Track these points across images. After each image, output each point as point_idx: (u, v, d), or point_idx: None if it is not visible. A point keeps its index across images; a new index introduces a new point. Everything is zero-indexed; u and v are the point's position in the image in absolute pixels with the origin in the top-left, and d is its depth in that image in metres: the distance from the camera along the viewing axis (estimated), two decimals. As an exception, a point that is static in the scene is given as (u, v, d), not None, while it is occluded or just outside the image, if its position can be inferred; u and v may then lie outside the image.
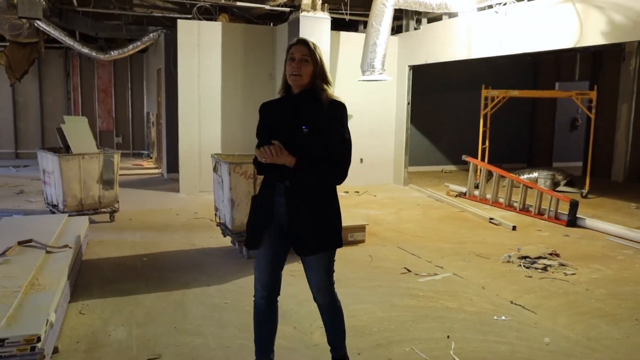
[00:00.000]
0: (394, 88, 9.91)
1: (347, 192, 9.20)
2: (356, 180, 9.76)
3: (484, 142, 9.80)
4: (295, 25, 8.18)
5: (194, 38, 8.81)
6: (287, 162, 2.57)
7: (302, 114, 2.66)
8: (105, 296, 4.29)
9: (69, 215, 6.23)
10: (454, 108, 12.05)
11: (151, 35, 10.98)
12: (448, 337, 3.58)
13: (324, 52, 2.77)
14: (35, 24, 10.10)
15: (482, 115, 9.81)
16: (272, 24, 10.07)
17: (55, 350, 3.29)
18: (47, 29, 10.28)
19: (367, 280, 4.76)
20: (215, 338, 3.54)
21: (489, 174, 8.58)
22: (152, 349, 3.37)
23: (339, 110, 2.70)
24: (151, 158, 13.56)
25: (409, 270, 5.01)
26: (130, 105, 14.72)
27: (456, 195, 8.83)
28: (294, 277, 4.75)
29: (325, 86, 2.70)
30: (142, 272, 4.95)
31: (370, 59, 8.20)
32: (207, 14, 10.37)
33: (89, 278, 4.72)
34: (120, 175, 10.60)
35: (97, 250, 5.62)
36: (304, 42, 2.71)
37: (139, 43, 11.15)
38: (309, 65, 2.65)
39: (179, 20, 8.83)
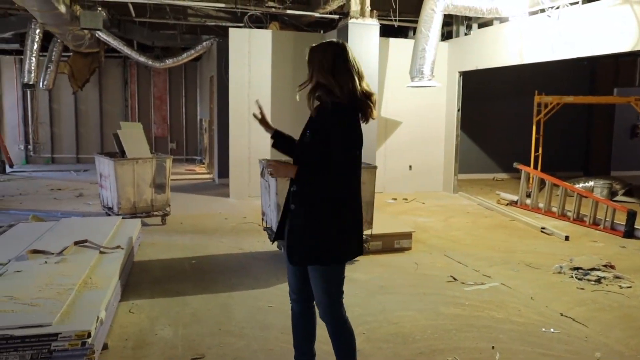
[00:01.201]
0: (444, 94, 9.78)
1: (395, 199, 9.14)
2: (404, 187, 9.72)
3: (536, 150, 9.53)
4: (344, 32, 8.21)
5: (245, 46, 8.98)
6: (289, 174, 2.60)
7: (312, 119, 2.66)
8: (154, 296, 4.42)
9: (123, 218, 6.47)
10: (506, 114, 11.77)
11: (204, 43, 11.28)
12: (493, 347, 3.50)
13: (329, 52, 2.63)
14: (96, 35, 10.56)
15: (535, 121, 9.54)
16: (322, 31, 10.15)
17: (105, 347, 3.41)
18: (107, 39, 10.72)
19: (412, 287, 4.71)
20: (258, 340, 3.59)
21: (542, 182, 8.33)
22: (197, 349, 3.45)
23: (335, 115, 2.53)
24: (203, 163, 13.88)
25: (455, 279, 4.93)
26: (184, 112, 15.15)
27: (507, 204, 8.62)
28: (338, 282, 4.77)
29: (335, 92, 2.54)
30: (190, 274, 5.07)
31: (419, 65, 8.14)
32: (258, 22, 10.57)
33: (140, 278, 4.88)
34: (173, 180, 10.94)
35: (149, 251, 5.80)
36: (309, 49, 2.71)
37: (192, 51, 11.47)
38: (308, 71, 2.66)
39: (230, 29, 9.04)
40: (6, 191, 9.76)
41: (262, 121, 2.97)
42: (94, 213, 7.59)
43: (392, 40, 9.52)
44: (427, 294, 4.54)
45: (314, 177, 2.54)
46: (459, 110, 9.62)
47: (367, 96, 2.60)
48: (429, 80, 8.12)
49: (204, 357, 3.34)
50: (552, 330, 3.81)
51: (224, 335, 3.67)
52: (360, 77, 2.63)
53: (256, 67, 9.06)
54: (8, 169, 12.72)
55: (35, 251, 4.58)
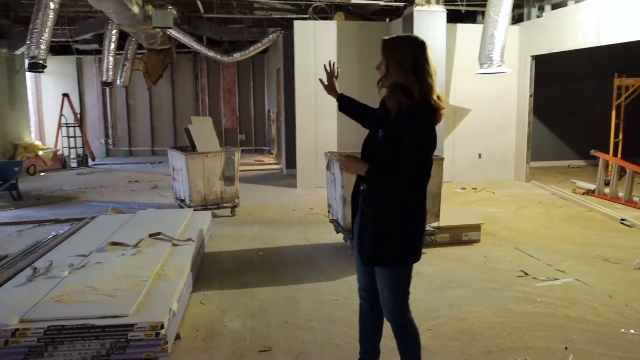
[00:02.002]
0: (515, 80, 9.41)
1: (464, 188, 8.93)
2: (474, 176, 9.47)
3: (616, 136, 9.00)
4: (409, 20, 8.07)
5: (310, 38, 9.01)
6: (359, 171, 2.55)
7: (384, 117, 2.60)
8: (223, 288, 4.56)
9: (194, 210, 6.71)
10: (582, 98, 11.16)
11: (270, 36, 11.43)
12: (566, 348, 3.36)
13: (412, 50, 2.52)
14: (168, 32, 10.92)
15: (615, 106, 9.00)
16: (387, 20, 10.02)
17: (178, 337, 3.56)
18: (178, 35, 11.07)
19: (480, 281, 4.60)
20: (324, 334, 3.63)
21: (622, 170, 7.86)
22: (264, 341, 3.54)
23: (415, 116, 2.45)
24: (272, 154, 14.12)
25: (527, 273, 4.76)
26: (252, 103, 15.45)
27: (583, 193, 8.20)
28: (403, 276, 4.73)
29: (404, 87, 2.47)
30: (258, 265, 5.19)
31: (488, 51, 7.86)
32: (323, 13, 10.58)
33: (210, 270, 5.05)
34: (242, 171, 11.19)
35: (219, 243, 5.99)
36: (381, 42, 2.59)
37: (259, 44, 11.66)
38: (382, 66, 2.57)
39: (295, 22, 9.09)
40: (88, 184, 10.36)
41: (329, 86, 3.03)
42: (167, 205, 7.91)
43: (459, 26, 9.24)
44: (496, 289, 4.42)
45: (384, 176, 2.49)
46: (531, 95, 9.23)
47: (439, 98, 2.54)
48: (499, 66, 7.84)
49: (271, 350, 3.41)
50: (632, 331, 3.61)
51: (290, 328, 3.74)
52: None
53: (321, 59, 9.05)
54: (90, 162, 13.49)
55: (114, 243, 4.85)
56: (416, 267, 4.84)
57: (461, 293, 4.32)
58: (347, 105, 3.04)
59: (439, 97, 2.53)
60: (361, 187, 2.65)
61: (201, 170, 7.02)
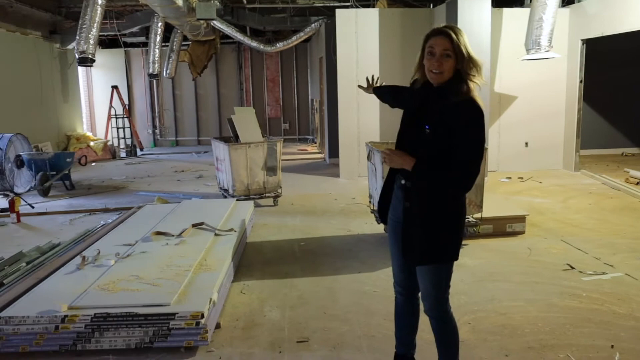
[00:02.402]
0: (564, 65, 9.07)
1: (509, 177, 8.72)
2: (520, 165, 9.24)
3: (675, 122, 8.57)
4: (453, 6, 7.89)
5: (352, 26, 8.94)
6: (404, 166, 2.47)
7: (428, 112, 2.49)
8: (264, 277, 4.62)
9: (237, 200, 6.81)
10: (636, 83, 10.66)
11: (313, 25, 11.41)
12: (612, 346, 3.24)
13: (467, 41, 2.44)
14: (212, 24, 11.07)
15: (674, 90, 8.56)
16: (431, 6, 9.82)
17: (218, 326, 3.64)
18: (221, 26, 11.20)
19: (523, 275, 4.49)
20: (362, 326, 3.63)
21: (680, 159, 7.49)
22: (302, 331, 3.57)
23: (469, 113, 2.40)
24: (315, 143, 14.15)
25: (573, 267, 4.62)
26: (295, 92, 15.50)
27: (637, 183, 7.86)
28: (444, 268, 4.67)
29: (469, 83, 2.42)
30: (299, 255, 5.23)
31: (536, 35, 7.61)
32: (365, 0, 10.48)
33: (252, 259, 5.12)
34: (285, 160, 11.29)
35: (261, 232, 6.06)
36: (446, 34, 2.42)
37: (301, 34, 11.66)
38: (450, 61, 2.41)
39: (337, 10, 9.03)
40: (137, 173, 10.67)
41: (367, 88, 3.37)
42: (212, 194, 8.06)
43: (505, 10, 8.96)
44: (539, 282, 4.31)
45: (432, 172, 2.44)
46: (581, 81, 8.88)
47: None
48: (547, 51, 7.57)
49: (308, 341, 3.44)
50: (684, 328, 3.46)
51: (328, 319, 3.76)
52: None
53: (363, 47, 9.00)
54: (139, 152, 13.88)
55: (159, 233, 4.98)
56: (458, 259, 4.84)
57: (503, 286, 4.23)
58: (381, 92, 3.27)
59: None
60: (402, 182, 2.57)
61: (244, 160, 7.11)
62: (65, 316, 3.33)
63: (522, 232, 5.62)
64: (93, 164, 12.22)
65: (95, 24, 6.97)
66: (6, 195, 8.04)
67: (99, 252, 4.46)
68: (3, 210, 7.13)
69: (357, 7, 9.48)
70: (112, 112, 13.99)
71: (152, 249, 4.57)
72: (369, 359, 3.19)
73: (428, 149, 2.45)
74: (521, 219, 5.65)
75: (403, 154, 2.50)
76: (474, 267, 4.70)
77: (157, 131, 15.31)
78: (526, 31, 7.78)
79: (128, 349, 3.32)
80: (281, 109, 15.55)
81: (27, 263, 4.94)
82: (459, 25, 7.65)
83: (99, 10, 6.98)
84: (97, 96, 14.92)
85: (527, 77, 9.06)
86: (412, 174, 2.46)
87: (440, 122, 2.43)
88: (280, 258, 5.16)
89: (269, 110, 15.51)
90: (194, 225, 5.18)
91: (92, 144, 12.69)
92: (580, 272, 4.52)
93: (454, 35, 2.42)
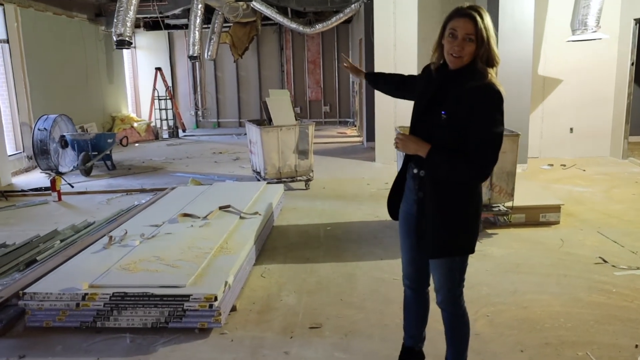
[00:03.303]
0: (615, 46, 8.61)
1: (551, 164, 8.41)
2: (564, 152, 8.91)
3: None
4: (494, -14, 7.58)
5: (390, 7, 8.75)
6: (419, 152, 2.36)
7: (444, 97, 2.38)
8: (286, 262, 4.63)
9: (269, 183, 6.85)
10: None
11: (353, 6, 11.23)
12: (637, 346, 3.09)
13: (491, 25, 2.32)
14: (251, 5, 11.06)
15: None
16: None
17: (234, 309, 3.67)
18: (261, 8, 11.18)
19: (551, 267, 4.33)
20: (377, 314, 3.59)
21: None
22: (316, 317, 3.56)
23: (488, 98, 2.28)
24: (355, 126, 14.05)
25: (605, 261, 4.42)
26: (336, 75, 15.38)
27: (689, 173, 7.45)
28: (470, 257, 4.55)
29: (488, 69, 2.31)
30: (323, 240, 5.22)
31: (582, 15, 7.24)
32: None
33: (276, 243, 5.14)
34: (323, 143, 11.27)
35: (289, 216, 6.07)
36: (470, 17, 2.27)
37: (341, 15, 11.51)
38: (472, 45, 2.29)
39: (375, -10, 8.85)
40: (176, 154, 10.87)
41: (352, 68, 3.10)
42: (246, 177, 8.13)
43: (552, -12, 8.58)
44: (568, 276, 4.14)
45: (448, 159, 2.32)
46: (633, 64, 8.42)
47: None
48: (594, 32, 7.20)
49: (321, 327, 3.43)
50: None
51: (344, 306, 3.73)
52: None
53: (402, 29, 8.80)
54: (181, 134, 14.14)
55: (185, 215, 5.06)
56: (485, 247, 4.73)
57: (528, 279, 4.09)
58: (376, 79, 3.06)
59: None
60: (415, 171, 2.47)
61: (275, 143, 7.12)
62: (86, 294, 3.43)
63: (557, 223, 5.41)
64: (136, 144, 12.53)
65: (132, 7, 7.08)
66: (50, 175, 8.35)
67: (126, 233, 4.58)
68: (46, 189, 7.41)
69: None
70: (156, 94, 14.27)
71: (177, 230, 4.65)
72: (379, 348, 3.15)
73: (444, 135, 2.35)
74: (556, 208, 5.44)
75: (418, 140, 2.39)
76: (501, 257, 4.56)
77: (199, 113, 15.54)
78: (572, 11, 7.41)
79: (144, 328, 3.40)
80: (322, 91, 15.47)
81: (61, 241, 5.12)
82: (501, 6, 7.40)
83: (136, -7, 7.08)
84: (141, 78, 15.24)
85: (574, 60, 8.67)
86: (426, 161, 2.36)
87: (458, 107, 2.32)
88: (304, 242, 5.16)
89: (310, 92, 15.47)
90: (220, 208, 5.24)
91: (135, 125, 13.00)
92: (613, 266, 4.32)
93: (479, 19, 2.27)
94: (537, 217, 5.39)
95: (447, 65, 2.42)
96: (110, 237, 4.44)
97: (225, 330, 3.41)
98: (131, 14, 7.13)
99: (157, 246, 4.23)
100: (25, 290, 3.52)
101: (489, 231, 5.22)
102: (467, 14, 2.29)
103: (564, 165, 8.33)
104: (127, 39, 7.19)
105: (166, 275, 3.63)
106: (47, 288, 3.54)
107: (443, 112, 2.35)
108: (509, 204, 5.17)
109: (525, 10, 7.48)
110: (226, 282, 3.55)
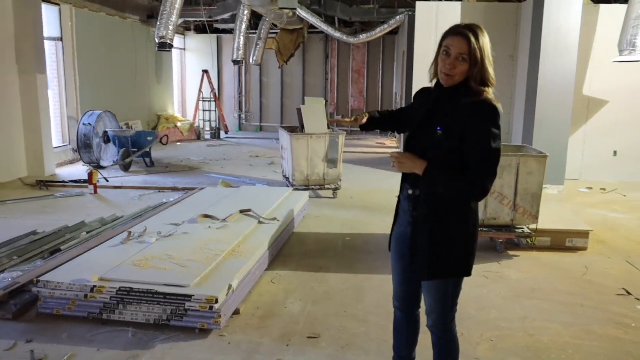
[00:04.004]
0: (666, 68, 8.24)
1: (590, 188, 8.11)
2: (606, 175, 8.57)
3: None
4: (539, 2, 7.40)
5: (432, 19, 8.68)
6: (415, 169, 2.30)
7: (439, 113, 2.34)
8: (297, 269, 4.64)
9: (296, 189, 6.89)
10: None
11: (398, 17, 11.21)
12: (643, 384, 2.94)
13: (488, 43, 2.27)
14: (297, 13, 11.18)
15: None
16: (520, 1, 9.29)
17: (237, 312, 3.71)
18: (306, 15, 11.29)
19: (569, 295, 4.17)
20: (378, 329, 3.54)
21: None
22: (316, 327, 3.55)
23: (483, 113, 2.24)
24: (395, 137, 13.95)
25: (629, 293, 4.22)
26: (380, 85, 15.34)
27: None
28: (486, 278, 4.46)
29: (480, 88, 2.26)
30: (339, 250, 5.20)
31: (631, 35, 6.95)
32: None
33: (292, 249, 5.16)
34: (359, 152, 11.26)
35: (310, 224, 6.09)
36: (464, 36, 2.23)
37: (385, 26, 11.50)
38: (464, 65, 2.24)
39: (417, 2, 8.80)
40: (214, 155, 11.08)
41: (350, 122, 2.83)
42: (277, 182, 8.20)
43: (602, 6, 8.28)
44: (585, 305, 3.98)
45: (444, 176, 2.28)
46: (685, 88, 8.04)
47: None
48: (642, 53, 6.91)
49: (318, 337, 3.42)
50: None
51: (347, 318, 3.71)
52: None
53: (442, 42, 8.69)
54: (223, 135, 14.40)
55: (205, 215, 5.14)
56: (502, 270, 4.60)
57: (541, 305, 3.95)
58: (374, 125, 2.84)
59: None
60: (409, 192, 2.43)
61: (305, 150, 7.16)
62: (94, 286, 3.54)
63: (584, 248, 5.21)
64: (178, 143, 12.85)
65: (175, 11, 7.29)
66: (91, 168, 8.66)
67: (145, 229, 4.70)
68: (84, 181, 7.69)
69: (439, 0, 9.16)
70: (201, 96, 14.59)
71: (194, 230, 4.73)
72: (373, 364, 3.12)
73: (439, 151, 2.30)
74: (584, 233, 5.23)
75: (413, 157, 2.33)
76: (517, 280, 4.43)
77: (243, 116, 15.79)
78: (620, 30, 7.14)
79: (147, 323, 3.48)
80: (364, 100, 15.46)
81: (87, 232, 5.31)
82: (545, 22, 7.23)
83: (179, -3, 7.29)
84: (189, 79, 15.63)
85: (622, 80, 8.35)
86: (423, 178, 2.30)
87: (453, 122, 2.28)
88: (320, 251, 5.16)
89: (352, 101, 15.48)
90: (241, 211, 5.31)
91: (179, 124, 13.33)
92: (637, 299, 4.12)
93: (472, 39, 2.23)
94: (563, 242, 5.21)
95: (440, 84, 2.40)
96: (129, 233, 4.56)
97: (225, 332, 3.45)
98: (174, 17, 7.34)
99: (171, 245, 4.32)
100: (39, 278, 3.66)
101: (511, 252, 5.07)
102: (462, 33, 2.24)
103: (604, 189, 8.01)
104: (168, 41, 7.40)
105: (173, 273, 3.70)
106: (60, 277, 3.67)
107: (438, 128, 2.32)
108: (533, 226, 5.02)
109: (571, 27, 7.27)
110: (230, 286, 3.58)
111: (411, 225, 2.45)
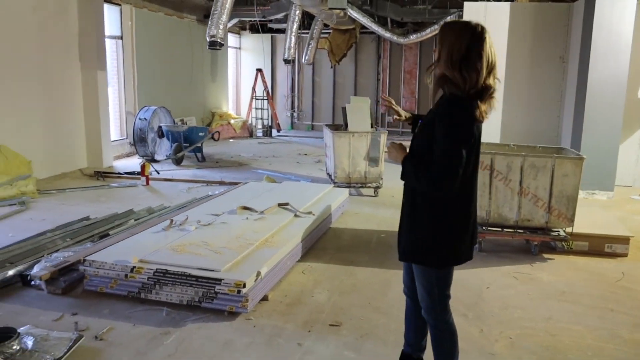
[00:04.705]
0: None
1: (643, 195, 7.82)
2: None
3: None
4: (590, 2, 7.23)
5: (480, 20, 8.56)
6: (398, 159, 2.48)
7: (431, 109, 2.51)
8: (330, 262, 4.78)
9: (338, 187, 7.03)
10: None
11: (448, 18, 11.14)
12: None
13: (462, 39, 2.35)
14: (348, 13, 11.31)
15: None
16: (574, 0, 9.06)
17: (265, 298, 3.89)
18: (357, 16, 11.40)
19: (600, 299, 4.11)
20: (398, 322, 3.60)
21: None
22: (339, 316, 3.68)
23: (443, 109, 2.34)
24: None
25: (664, 300, 4.12)
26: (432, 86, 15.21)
27: None
28: (515, 279, 4.46)
29: (449, 79, 2.32)
30: (373, 246, 5.30)
31: (689, 37, 6.70)
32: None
33: (327, 244, 5.30)
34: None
35: (348, 220, 6.21)
36: (440, 25, 2.46)
37: (435, 26, 11.45)
38: (436, 53, 2.43)
39: (465, 3, 8.72)
40: (263, 152, 11.37)
41: (396, 111, 2.88)
42: (321, 179, 8.34)
43: (661, 7, 7.97)
44: (615, 311, 3.91)
45: (412, 168, 2.41)
46: None
47: (487, 89, 2.33)
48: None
49: (340, 326, 3.55)
50: None
51: (370, 310, 3.82)
52: (490, 71, 2.36)
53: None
54: (274, 133, 14.70)
55: (245, 207, 5.37)
56: (534, 272, 4.58)
57: (568, 308, 3.92)
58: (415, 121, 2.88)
59: (486, 89, 2.33)
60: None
61: (347, 148, 7.28)
62: (134, 267, 3.81)
63: (624, 255, 5.08)
64: (231, 140, 13.24)
65: (225, 11, 7.58)
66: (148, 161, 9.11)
67: (187, 218, 4.96)
68: (137, 173, 8.11)
69: (487, 0, 9.05)
70: (254, 94, 14.96)
71: (232, 221, 4.96)
72: (390, 354, 3.21)
73: (416, 143, 2.49)
74: (624, 239, 5.11)
75: (400, 148, 2.52)
76: (548, 283, 4.40)
77: (295, 114, 16.06)
78: (678, 32, 6.89)
79: (180, 304, 3.72)
80: (416, 101, 15.39)
81: (135, 220, 5.64)
82: (596, 22, 7.06)
83: (230, -2, 7.58)
84: (244, 78, 16.05)
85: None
86: (402, 168, 2.46)
87: (429, 119, 2.42)
88: (353, 246, 5.27)
89: (404, 102, 15.44)
90: (279, 205, 5.50)
91: (232, 121, 13.73)
92: (673, 307, 4.02)
93: (439, 31, 2.44)
94: (601, 247, 5.10)
95: None
96: (171, 221, 4.83)
97: (251, 316, 3.64)
98: (224, 17, 7.63)
99: (209, 233, 4.55)
100: (86, 257, 3.97)
101: (546, 256, 5.02)
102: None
103: (658, 197, 7.71)
104: (218, 40, 7.70)
105: (207, 259, 3.92)
106: (104, 258, 3.96)
107: (420, 120, 2.51)
108: (569, 229, 4.95)
109: (623, 29, 7.06)
110: (258, 272, 3.77)
111: (400, 211, 2.62)
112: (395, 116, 2.89)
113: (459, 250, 2.48)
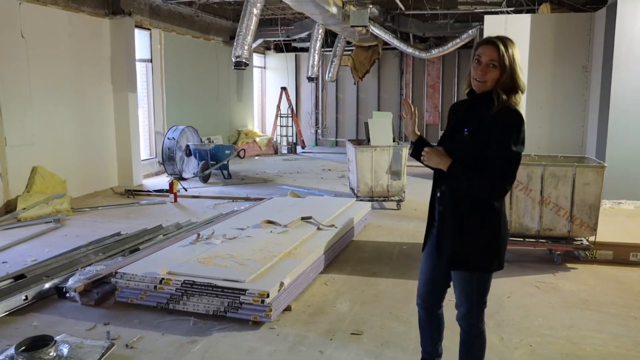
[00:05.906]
0: None
1: (673, 205, 7.69)
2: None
3: None
4: (612, 10, 7.23)
5: (500, 33, 8.62)
6: (441, 164, 2.51)
7: (470, 116, 2.55)
8: (352, 273, 4.87)
9: (361, 200, 7.13)
10: None
11: (470, 32, 11.24)
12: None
13: (518, 53, 2.48)
14: (370, 30, 11.49)
15: None
16: (593, 11, 9.06)
17: (289, 308, 3.99)
18: (379, 32, 11.57)
19: (623, 308, 4.10)
20: (418, 330, 3.68)
21: None
22: (361, 325, 3.76)
23: (508, 118, 2.43)
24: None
25: (690, 308, 4.08)
26: (456, 100, 15.24)
27: None
28: (537, 288, 4.48)
29: (510, 95, 2.46)
30: (395, 258, 5.37)
31: None
32: (530, 5, 10.04)
33: (349, 256, 5.39)
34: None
35: (370, 233, 6.29)
36: (493, 44, 2.45)
37: (457, 40, 11.55)
38: (495, 71, 2.44)
39: (485, 16, 8.80)
40: (288, 168, 11.55)
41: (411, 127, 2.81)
42: (344, 194, 8.45)
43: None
44: (638, 318, 3.90)
45: (466, 174, 2.47)
46: None
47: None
48: None
49: (361, 334, 3.63)
50: None
51: (391, 319, 3.89)
52: None
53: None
54: (299, 150, 14.89)
55: (269, 222, 5.50)
56: (557, 281, 4.59)
57: (591, 316, 3.92)
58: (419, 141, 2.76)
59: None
60: (438, 194, 2.63)
61: (369, 163, 7.39)
62: (163, 279, 3.97)
63: (651, 264, 5.04)
64: (256, 157, 13.47)
65: (250, 32, 7.81)
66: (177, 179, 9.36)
67: (213, 232, 5.12)
68: (166, 191, 8.34)
69: (508, 13, 9.12)
70: (279, 112, 15.21)
71: (257, 234, 5.10)
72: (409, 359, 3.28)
73: (464, 152, 2.50)
74: (651, 248, 5.07)
75: (441, 154, 2.55)
76: (570, 292, 4.40)
77: (319, 131, 16.25)
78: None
79: (207, 314, 3.85)
80: (440, 115, 15.43)
81: (164, 235, 5.83)
82: (618, 31, 7.06)
83: (254, 19, 7.80)
84: (269, 96, 16.34)
85: None
86: (447, 173, 2.51)
87: (480, 126, 2.48)
88: (376, 258, 5.35)
89: (427, 116, 15.50)
90: (302, 218, 5.62)
91: (257, 139, 13.98)
92: (699, 314, 3.98)
93: (501, 47, 2.44)
94: (626, 256, 5.07)
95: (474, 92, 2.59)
96: (198, 235, 5.00)
97: (275, 325, 3.74)
98: (249, 38, 7.87)
99: (234, 246, 4.69)
100: (117, 270, 4.15)
101: (569, 265, 5.02)
102: (492, 42, 2.47)
103: (688, 206, 7.57)
104: (244, 60, 7.93)
105: (232, 270, 4.05)
106: (135, 270, 4.13)
107: (465, 130, 2.54)
108: (592, 238, 4.94)
109: (645, 38, 7.03)
110: (281, 283, 3.88)
111: (437, 222, 2.65)
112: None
113: (504, 254, 2.59)
